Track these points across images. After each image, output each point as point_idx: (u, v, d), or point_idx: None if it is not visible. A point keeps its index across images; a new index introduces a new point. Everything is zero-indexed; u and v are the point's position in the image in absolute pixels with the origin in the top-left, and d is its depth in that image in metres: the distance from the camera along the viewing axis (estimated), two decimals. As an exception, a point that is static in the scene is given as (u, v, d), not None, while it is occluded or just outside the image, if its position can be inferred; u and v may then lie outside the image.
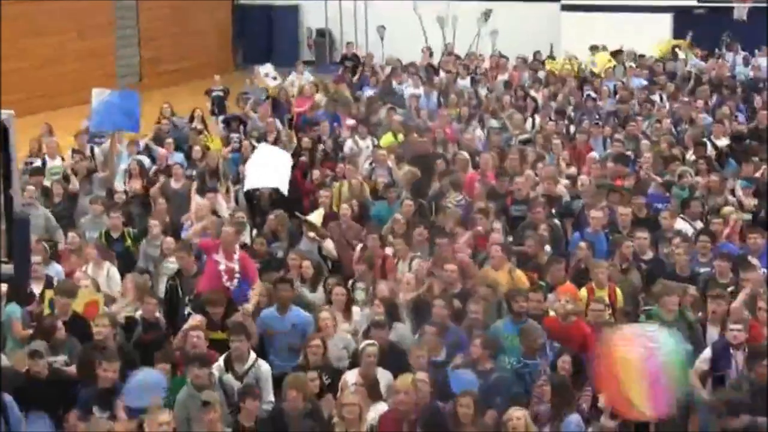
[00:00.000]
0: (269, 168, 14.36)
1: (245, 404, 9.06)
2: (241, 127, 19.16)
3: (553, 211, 13.97)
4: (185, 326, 10.67)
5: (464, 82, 23.27)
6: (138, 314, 11.11)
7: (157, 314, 11.06)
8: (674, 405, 8.60)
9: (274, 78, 23.06)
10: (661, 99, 21.20)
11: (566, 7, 29.27)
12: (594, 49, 25.67)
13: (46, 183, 15.37)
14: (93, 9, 29.57)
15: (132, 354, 10.14)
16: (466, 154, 16.38)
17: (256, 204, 14.75)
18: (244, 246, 12.61)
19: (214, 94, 21.61)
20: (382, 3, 30.11)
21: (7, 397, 9.16)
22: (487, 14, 29.81)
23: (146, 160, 16.84)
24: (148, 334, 10.66)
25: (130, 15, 30.90)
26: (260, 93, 21.56)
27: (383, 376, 9.74)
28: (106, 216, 13.85)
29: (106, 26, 30.17)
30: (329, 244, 13.06)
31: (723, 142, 17.41)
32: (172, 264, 12.36)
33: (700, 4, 28.28)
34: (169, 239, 13.00)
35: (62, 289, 11.33)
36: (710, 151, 16.91)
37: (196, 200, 14.16)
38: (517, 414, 8.60)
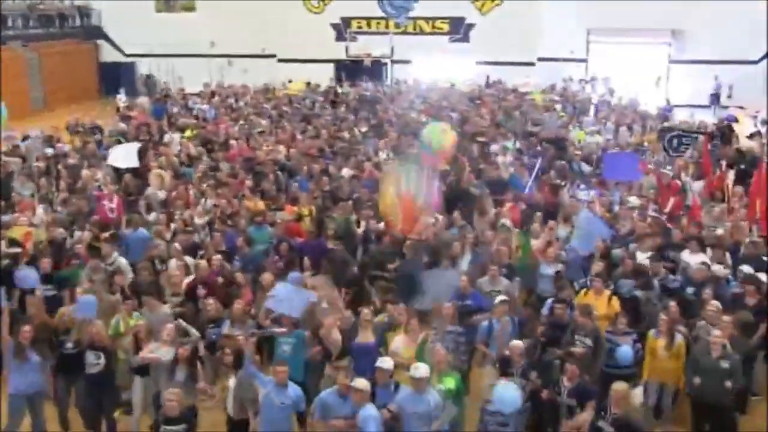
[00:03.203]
0: (124, 153, 13.66)
1: (115, 278, 8.82)
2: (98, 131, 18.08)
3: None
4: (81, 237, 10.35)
5: (231, 101, 22.57)
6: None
7: (62, 235, 10.49)
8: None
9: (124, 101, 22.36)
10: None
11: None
12: (290, 81, 26.19)
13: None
14: (14, 60, 26.47)
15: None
16: (232, 141, 15.94)
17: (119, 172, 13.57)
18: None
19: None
20: (180, 59, 28.95)
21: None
22: (230, 62, 29.34)
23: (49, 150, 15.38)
24: (55, 243, 10.13)
25: (35, 65, 28.08)
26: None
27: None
28: (30, 182, 12.83)
29: (22, 72, 27.22)
30: (161, 192, 12.41)
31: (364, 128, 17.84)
32: (72, 208, 11.61)
33: (348, 59, 28.93)
34: (64, 194, 12.27)
35: (5, 224, 10.73)
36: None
37: (84, 172, 13.33)
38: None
